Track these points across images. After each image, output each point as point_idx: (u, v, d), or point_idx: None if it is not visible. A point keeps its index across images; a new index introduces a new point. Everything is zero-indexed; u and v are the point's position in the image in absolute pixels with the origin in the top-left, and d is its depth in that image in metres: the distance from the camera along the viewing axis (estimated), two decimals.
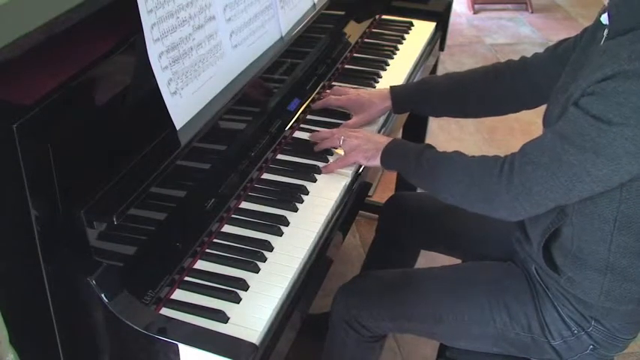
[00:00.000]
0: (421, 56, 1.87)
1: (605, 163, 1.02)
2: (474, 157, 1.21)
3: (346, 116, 1.54)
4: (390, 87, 1.55)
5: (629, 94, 0.98)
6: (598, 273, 1.18)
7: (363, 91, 1.57)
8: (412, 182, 1.33)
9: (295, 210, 1.28)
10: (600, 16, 1.15)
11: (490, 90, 1.48)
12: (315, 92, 1.61)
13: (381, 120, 1.57)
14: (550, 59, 1.40)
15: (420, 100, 1.54)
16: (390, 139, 1.36)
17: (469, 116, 1.66)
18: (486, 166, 1.16)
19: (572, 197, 1.09)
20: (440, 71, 2.21)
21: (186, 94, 1.15)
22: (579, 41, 1.29)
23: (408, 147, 1.32)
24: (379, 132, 1.56)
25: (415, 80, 1.74)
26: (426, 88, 1.55)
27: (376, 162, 1.33)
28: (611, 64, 1.00)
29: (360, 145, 1.35)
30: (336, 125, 1.50)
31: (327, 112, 1.56)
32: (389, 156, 1.32)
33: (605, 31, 1.11)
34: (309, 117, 1.56)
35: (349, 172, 1.39)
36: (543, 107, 1.29)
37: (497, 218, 1.18)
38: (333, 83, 1.70)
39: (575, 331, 1.24)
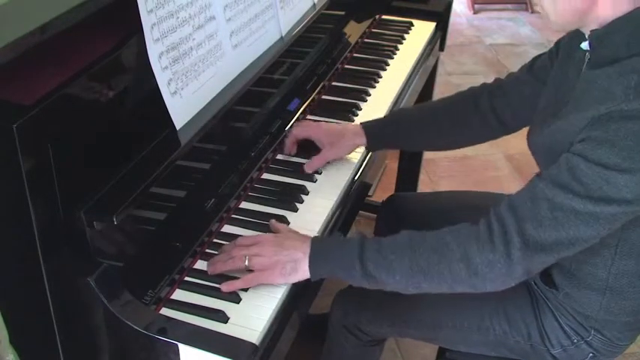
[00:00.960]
0: (421, 56, 1.87)
1: (615, 208, 0.96)
2: (435, 232, 1.06)
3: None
4: (361, 123, 1.43)
5: (634, 136, 0.93)
6: (597, 293, 1.16)
7: (333, 124, 1.45)
8: (363, 285, 1.09)
9: (295, 210, 1.28)
10: (578, 37, 1.10)
11: (467, 116, 1.40)
12: (315, 92, 1.61)
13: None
14: (526, 79, 1.34)
15: (394, 136, 1.43)
16: (308, 240, 1.09)
17: (448, 147, 1.55)
18: (467, 236, 1.02)
19: (577, 248, 1.01)
20: (440, 71, 2.21)
21: (186, 94, 1.15)
22: (555, 56, 1.25)
23: (341, 245, 1.08)
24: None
25: (386, 114, 1.57)
26: (399, 122, 1.43)
27: (301, 276, 1.08)
28: (605, 103, 0.95)
29: (272, 261, 1.07)
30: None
31: (325, 111, 1.54)
32: (320, 264, 1.07)
33: (587, 56, 1.05)
34: (309, 117, 1.56)
35: (349, 172, 1.39)
36: None
37: (484, 290, 1.05)
38: (333, 83, 1.70)
39: (575, 340, 1.23)
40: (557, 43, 1.26)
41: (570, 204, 0.97)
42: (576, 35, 1.13)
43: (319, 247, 1.09)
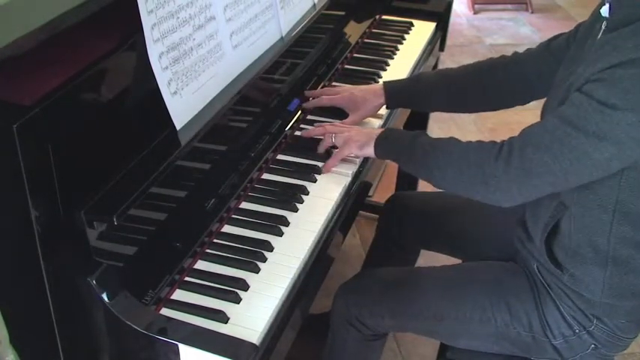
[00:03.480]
0: (421, 56, 1.87)
1: (607, 147, 1.02)
2: (470, 142, 1.21)
3: (344, 114, 1.54)
4: (384, 82, 1.55)
5: (635, 81, 0.99)
6: (599, 267, 1.18)
7: (356, 89, 1.56)
8: (406, 169, 1.32)
9: (295, 210, 1.28)
10: (600, 8, 1.15)
11: (483, 84, 1.48)
12: None
13: (382, 118, 1.57)
14: (542, 55, 1.40)
15: (413, 95, 1.54)
16: (380, 130, 1.36)
17: (462, 110, 1.66)
18: (484, 149, 1.17)
19: (570, 182, 1.10)
20: None
21: (187, 94, 1.15)
22: (573, 38, 1.29)
23: (402, 134, 1.33)
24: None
25: (387, 114, 1.68)
26: (419, 83, 1.55)
27: (370, 150, 1.34)
28: (616, 54, 1.01)
29: (352, 137, 1.36)
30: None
31: (325, 111, 1.55)
32: (382, 143, 1.33)
33: (604, 24, 1.11)
34: (309, 117, 1.56)
35: (349, 172, 1.39)
36: (541, 106, 1.29)
37: (492, 203, 1.17)
38: (334, 83, 1.70)
39: (577, 330, 1.24)
40: (578, 26, 1.30)
41: (567, 138, 1.05)
42: (596, 19, 1.17)
43: (384, 133, 1.34)
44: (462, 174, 1.18)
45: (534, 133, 1.11)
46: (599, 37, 1.12)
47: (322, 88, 1.64)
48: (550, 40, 1.41)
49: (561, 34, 1.38)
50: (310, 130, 1.45)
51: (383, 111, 1.57)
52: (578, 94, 1.05)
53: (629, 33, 1.03)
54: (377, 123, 1.56)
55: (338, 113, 1.54)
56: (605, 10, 1.11)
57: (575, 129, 1.04)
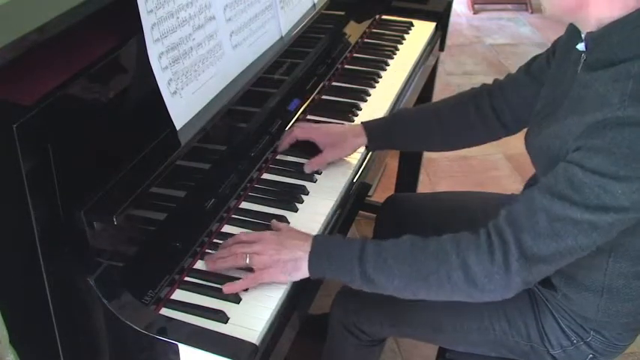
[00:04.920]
0: (421, 56, 1.87)
1: (612, 216, 0.96)
2: (436, 238, 1.06)
3: (316, 151, 1.40)
4: (362, 123, 1.44)
5: (630, 144, 0.92)
6: (594, 294, 1.16)
7: (334, 126, 1.46)
8: (361, 288, 1.09)
9: (295, 210, 1.28)
10: (574, 38, 1.10)
11: (469, 118, 1.40)
12: (315, 92, 1.61)
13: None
14: (524, 80, 1.34)
15: (395, 136, 1.44)
16: (310, 239, 1.10)
17: (449, 148, 1.56)
18: (467, 246, 1.02)
19: (575, 257, 1.01)
20: (440, 71, 2.21)
21: (187, 94, 1.15)
22: (552, 56, 1.25)
23: (342, 245, 1.09)
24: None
25: (386, 114, 1.59)
26: (400, 123, 1.44)
27: (302, 275, 1.09)
28: (601, 109, 0.95)
29: (274, 259, 1.08)
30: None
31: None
32: (320, 264, 1.08)
33: (583, 57, 1.05)
34: (309, 117, 1.56)
35: (349, 172, 1.38)
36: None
37: (489, 300, 1.05)
38: (333, 83, 1.70)
39: (575, 341, 1.23)
40: (554, 44, 1.26)
41: (568, 214, 0.96)
42: (573, 35, 1.13)
43: (320, 246, 1.09)
44: (442, 282, 1.02)
45: (523, 215, 0.99)
46: (579, 70, 1.06)
47: (321, 88, 1.64)
48: (529, 64, 1.35)
49: (539, 55, 1.33)
50: (214, 255, 1.13)
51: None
52: (567, 165, 0.97)
53: (611, 80, 0.96)
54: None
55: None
56: (581, 46, 1.05)
57: (574, 204, 0.95)
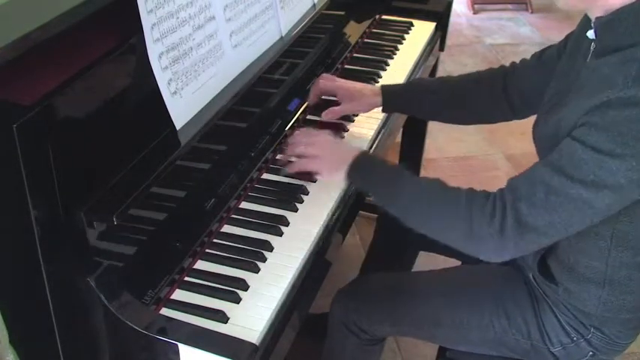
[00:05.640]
0: (421, 56, 1.87)
1: (607, 195, 0.98)
2: (459, 190, 1.12)
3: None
4: (381, 85, 1.53)
5: (629, 123, 0.94)
6: (596, 286, 1.17)
7: (354, 82, 1.53)
8: (382, 205, 1.20)
9: (295, 210, 1.28)
10: (585, 28, 1.12)
11: (481, 96, 1.45)
12: None
13: (381, 120, 1.56)
14: (535, 67, 1.37)
15: (409, 101, 1.51)
16: (359, 150, 1.24)
17: (458, 122, 1.62)
18: (476, 203, 1.08)
19: (570, 232, 1.04)
20: (440, 71, 2.21)
21: (186, 94, 1.15)
22: (563, 49, 1.27)
23: (381, 165, 1.22)
24: (379, 132, 1.56)
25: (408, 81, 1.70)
26: (417, 90, 1.52)
27: (339, 175, 1.22)
28: (605, 90, 0.97)
29: (325, 155, 1.25)
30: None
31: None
32: (357, 171, 1.21)
33: (592, 45, 1.08)
34: (309, 117, 1.56)
35: None
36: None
37: (481, 258, 1.10)
38: None
39: (575, 338, 1.23)
40: (567, 37, 1.29)
41: (565, 189, 0.99)
42: (584, 27, 1.15)
43: (362, 158, 1.22)
44: (449, 226, 1.10)
45: (524, 185, 1.04)
46: (588, 58, 1.09)
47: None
48: (542, 51, 1.38)
49: (552, 46, 1.35)
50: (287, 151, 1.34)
51: (379, 115, 1.56)
52: (569, 140, 1.00)
53: (617, 63, 0.99)
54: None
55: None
56: (591, 34, 1.08)
57: (570, 179, 0.98)
